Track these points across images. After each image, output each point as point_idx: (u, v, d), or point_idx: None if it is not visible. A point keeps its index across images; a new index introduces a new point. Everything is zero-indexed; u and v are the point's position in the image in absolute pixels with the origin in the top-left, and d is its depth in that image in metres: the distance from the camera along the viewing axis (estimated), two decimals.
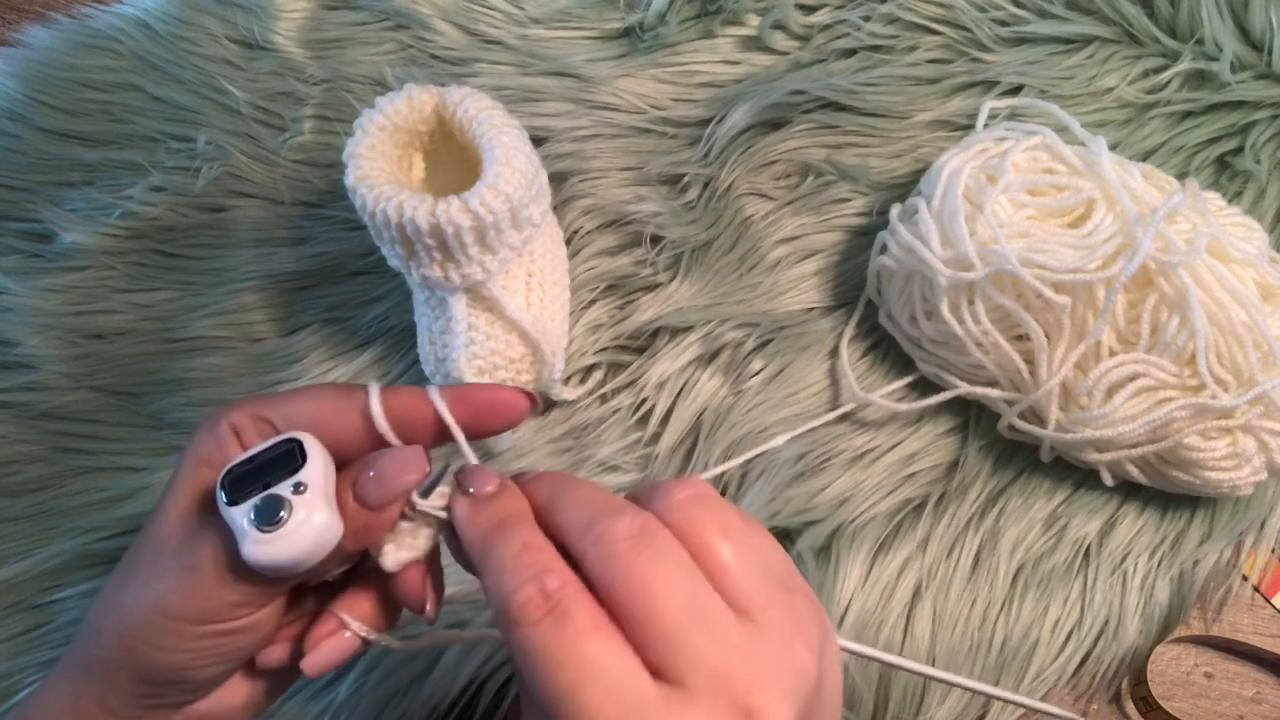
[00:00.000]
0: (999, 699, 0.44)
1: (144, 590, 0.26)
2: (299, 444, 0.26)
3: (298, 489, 0.25)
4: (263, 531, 0.24)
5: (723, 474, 0.49)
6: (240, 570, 0.25)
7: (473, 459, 0.28)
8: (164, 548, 0.27)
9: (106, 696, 0.27)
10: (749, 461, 0.49)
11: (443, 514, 0.27)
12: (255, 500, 0.25)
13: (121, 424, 0.51)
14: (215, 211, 0.54)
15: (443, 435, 0.29)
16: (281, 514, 0.24)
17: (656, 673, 0.23)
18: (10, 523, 0.49)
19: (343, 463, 0.28)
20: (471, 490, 0.27)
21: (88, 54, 0.57)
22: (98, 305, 0.52)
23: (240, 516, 0.25)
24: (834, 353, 0.51)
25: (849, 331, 0.51)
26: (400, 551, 0.27)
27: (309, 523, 0.25)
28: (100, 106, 0.56)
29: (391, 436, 0.28)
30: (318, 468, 0.26)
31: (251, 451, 0.26)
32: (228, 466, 0.26)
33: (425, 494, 0.27)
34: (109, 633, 0.27)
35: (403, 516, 0.27)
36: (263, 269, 0.53)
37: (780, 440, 0.46)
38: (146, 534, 0.27)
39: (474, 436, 0.29)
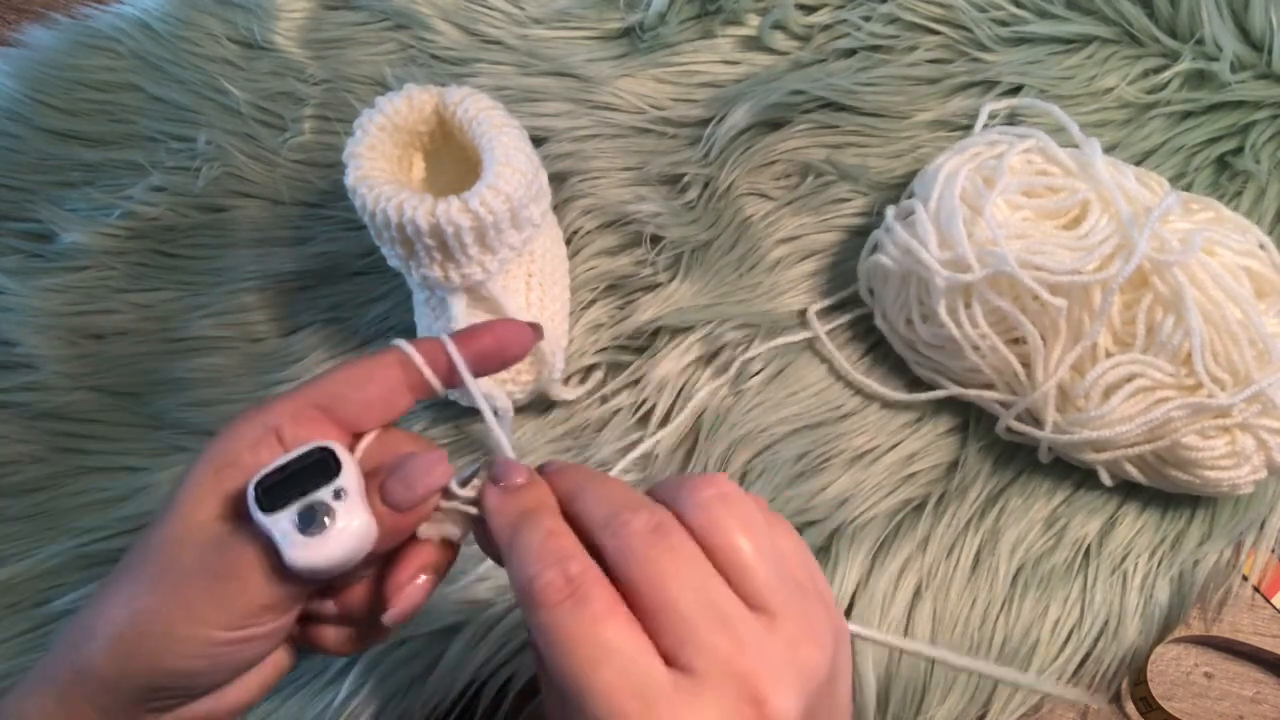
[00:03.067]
0: (1006, 681, 0.44)
1: (164, 599, 0.26)
2: (331, 452, 0.27)
3: (338, 495, 0.26)
4: (307, 536, 0.25)
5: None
6: (277, 575, 0.26)
7: (481, 403, 0.31)
8: (184, 555, 0.27)
9: (105, 703, 0.27)
10: (749, 461, 0.49)
11: (473, 509, 0.28)
12: (297, 506, 0.26)
13: (121, 424, 0.51)
14: (215, 211, 0.54)
15: (476, 368, 0.31)
16: (325, 520, 0.25)
17: (669, 660, 0.23)
18: (10, 523, 0.49)
19: (388, 418, 0.30)
20: (502, 483, 0.28)
21: (88, 54, 0.57)
22: (98, 305, 0.52)
23: (282, 522, 0.25)
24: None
25: (829, 311, 0.51)
26: (432, 528, 0.29)
27: (350, 528, 0.26)
28: (100, 106, 0.56)
29: (435, 380, 0.30)
30: (352, 475, 0.26)
31: (282, 460, 0.26)
32: (259, 475, 0.26)
33: (463, 484, 0.28)
34: (114, 641, 0.26)
35: (435, 508, 0.29)
36: (263, 269, 0.53)
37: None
38: (159, 539, 0.27)
39: (494, 370, 0.32)
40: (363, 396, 0.29)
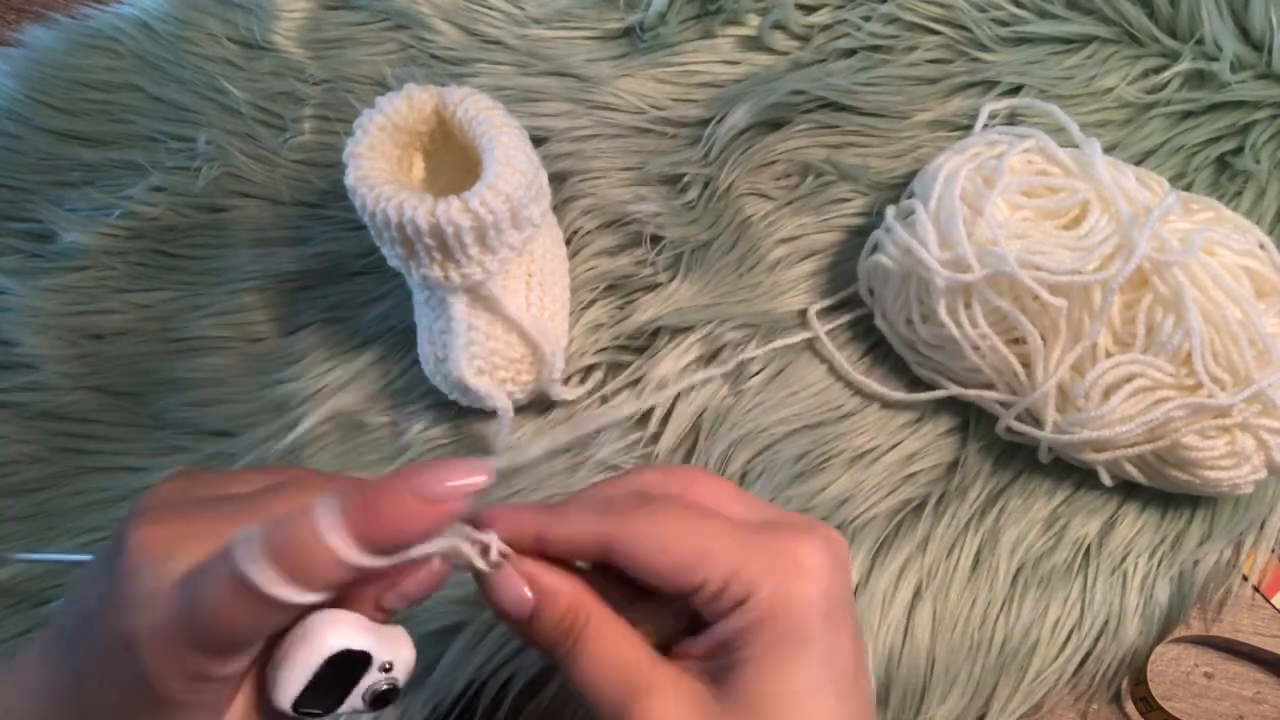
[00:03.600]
0: None
1: None
2: (347, 650, 0.25)
3: (385, 668, 0.26)
4: (386, 706, 0.26)
5: (722, 476, 0.49)
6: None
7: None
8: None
9: None
10: (749, 461, 0.49)
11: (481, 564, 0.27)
12: (362, 704, 0.26)
13: (121, 424, 0.51)
14: (215, 211, 0.54)
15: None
16: (392, 693, 0.26)
17: (729, 585, 0.26)
18: (10, 523, 0.49)
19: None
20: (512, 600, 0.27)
21: (88, 54, 0.57)
22: (98, 305, 0.52)
23: (347, 708, 0.26)
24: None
25: (829, 311, 0.51)
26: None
27: (408, 673, 0.27)
28: (100, 106, 0.56)
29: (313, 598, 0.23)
30: (375, 644, 0.26)
31: (307, 679, 0.25)
32: (291, 699, 0.25)
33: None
34: None
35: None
36: (263, 269, 0.53)
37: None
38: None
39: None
40: (220, 637, 0.23)
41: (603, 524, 0.26)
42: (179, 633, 0.23)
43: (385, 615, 0.27)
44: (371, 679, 0.26)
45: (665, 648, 0.28)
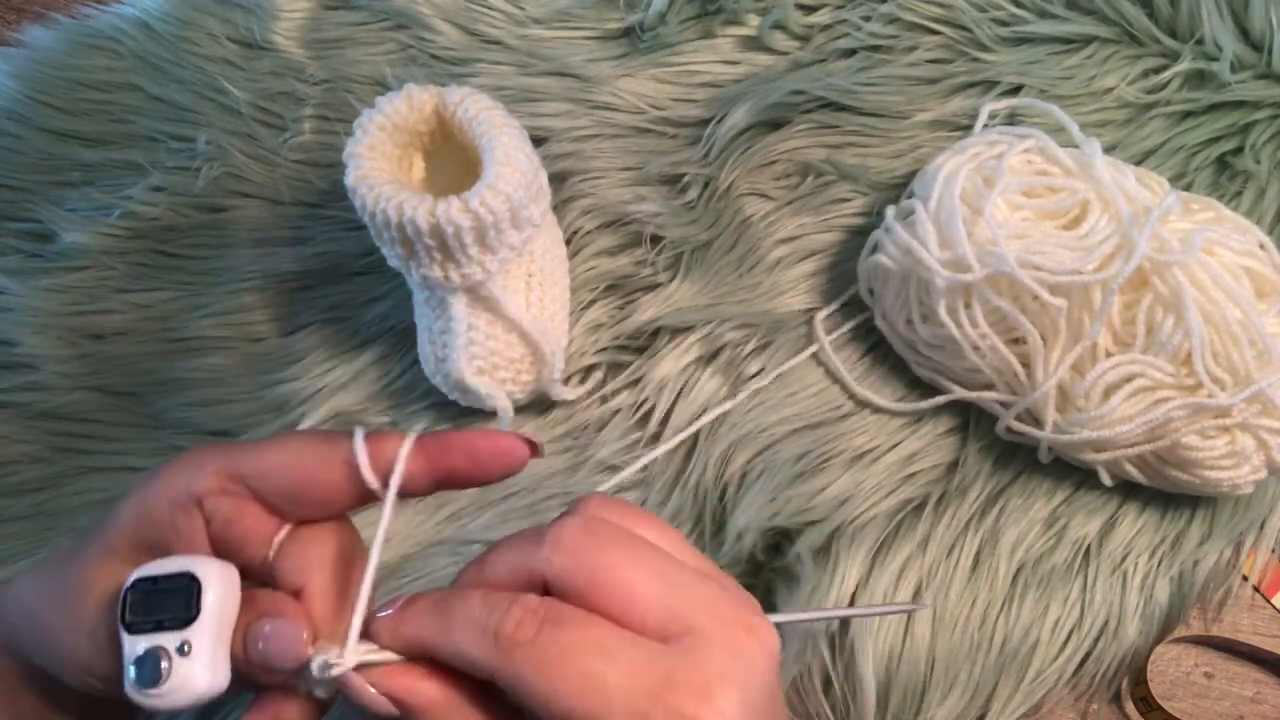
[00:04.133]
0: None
1: (62, 637, 0.26)
2: (199, 585, 0.25)
3: (182, 649, 0.24)
4: (141, 685, 0.24)
5: (721, 477, 0.49)
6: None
7: (384, 520, 0.26)
8: (83, 600, 0.26)
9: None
10: (749, 461, 0.49)
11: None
12: (139, 652, 0.24)
13: (121, 424, 0.51)
14: (215, 211, 0.54)
15: (440, 482, 0.27)
16: (162, 673, 0.24)
17: None
18: (10, 523, 0.49)
19: (326, 514, 0.27)
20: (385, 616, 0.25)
21: (88, 54, 0.57)
22: (98, 305, 0.52)
23: (128, 652, 0.24)
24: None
25: (833, 316, 0.51)
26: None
27: (188, 686, 0.24)
28: (100, 106, 0.56)
29: (377, 485, 0.27)
30: (210, 618, 0.25)
31: (156, 572, 0.25)
32: (133, 577, 0.25)
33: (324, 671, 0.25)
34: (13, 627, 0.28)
35: None
36: (263, 269, 0.53)
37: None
38: (71, 569, 0.27)
39: (468, 484, 0.28)
40: (291, 491, 0.27)
41: (489, 657, 0.24)
42: (272, 477, 0.27)
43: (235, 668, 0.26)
44: (171, 639, 0.24)
45: None
